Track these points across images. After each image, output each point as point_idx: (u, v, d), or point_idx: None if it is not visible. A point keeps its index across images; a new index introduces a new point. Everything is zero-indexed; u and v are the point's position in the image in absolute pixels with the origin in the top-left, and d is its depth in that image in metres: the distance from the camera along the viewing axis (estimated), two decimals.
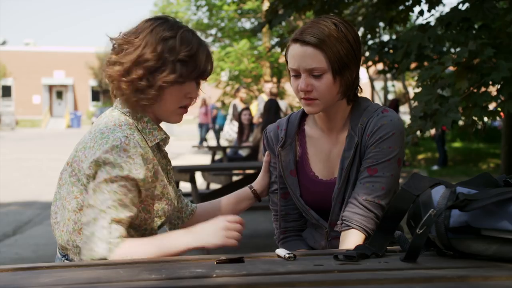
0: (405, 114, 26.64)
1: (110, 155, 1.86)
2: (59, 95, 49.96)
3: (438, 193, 1.66)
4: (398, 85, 23.67)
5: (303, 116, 2.22)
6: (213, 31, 24.13)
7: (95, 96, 50.70)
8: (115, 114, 2.01)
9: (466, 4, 4.93)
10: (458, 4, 5.06)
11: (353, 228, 2.02)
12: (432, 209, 1.62)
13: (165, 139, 2.06)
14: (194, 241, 1.90)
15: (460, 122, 4.13)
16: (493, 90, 3.96)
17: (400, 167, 2.08)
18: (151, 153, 1.98)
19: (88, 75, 49.25)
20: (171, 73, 1.93)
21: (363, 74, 26.98)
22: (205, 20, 24.43)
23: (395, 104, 15.28)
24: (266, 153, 2.25)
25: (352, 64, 2.02)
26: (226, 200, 2.33)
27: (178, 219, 2.28)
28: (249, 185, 2.31)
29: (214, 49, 24.49)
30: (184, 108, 2.04)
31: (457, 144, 18.54)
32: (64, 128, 41.81)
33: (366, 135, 2.04)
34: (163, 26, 1.97)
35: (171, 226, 2.28)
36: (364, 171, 2.04)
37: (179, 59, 1.94)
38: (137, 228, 2.01)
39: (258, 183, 2.30)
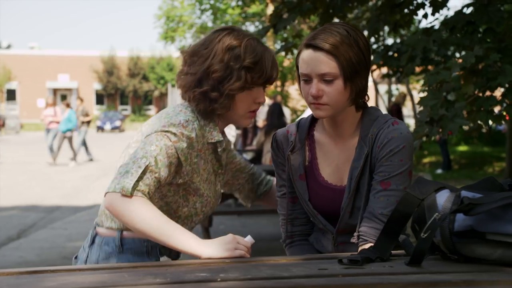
0: (408, 117, 26.60)
1: (168, 127, 2.01)
2: (64, 98, 49.96)
3: (443, 197, 1.66)
4: (402, 88, 23.63)
5: (313, 121, 2.22)
6: None
7: (100, 99, 50.80)
8: (185, 104, 2.14)
9: (471, 8, 4.92)
10: (463, 7, 5.06)
11: (370, 242, 2.00)
12: (436, 213, 1.62)
13: (221, 142, 2.15)
14: (198, 249, 1.87)
15: (465, 127, 4.12)
16: (498, 94, 3.95)
17: (411, 180, 2.07)
18: (202, 146, 2.10)
19: (93, 79, 49.36)
20: (237, 81, 2.04)
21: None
22: (210, 24, 24.48)
23: (396, 109, 15.06)
24: None
25: (362, 71, 2.03)
26: None
27: (252, 193, 2.49)
28: None
29: None
30: (253, 112, 2.15)
31: (462, 148, 18.51)
32: None
33: (377, 146, 2.04)
34: (230, 35, 2.08)
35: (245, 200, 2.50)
36: (377, 185, 2.03)
37: (244, 66, 2.04)
38: (173, 213, 2.12)
39: None
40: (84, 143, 17.59)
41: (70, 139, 16.90)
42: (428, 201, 1.67)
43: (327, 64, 1.98)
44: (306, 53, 2.02)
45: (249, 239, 1.93)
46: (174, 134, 2.00)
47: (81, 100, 17.79)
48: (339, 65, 1.98)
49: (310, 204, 2.16)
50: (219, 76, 2.03)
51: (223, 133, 2.23)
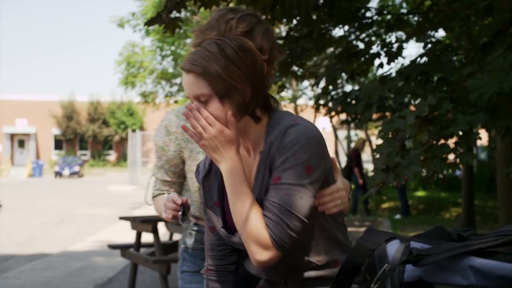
0: (367, 162, 26.91)
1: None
2: (21, 143, 49.28)
3: (393, 247, 1.68)
4: (361, 134, 23.95)
5: None
6: (178, 80, 24.30)
7: (58, 144, 50.17)
8: None
9: (424, 58, 5.06)
10: (417, 57, 5.20)
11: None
12: (386, 264, 1.63)
13: None
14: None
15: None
16: (451, 142, 4.03)
17: (312, 176, 1.86)
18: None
19: (51, 124, 48.83)
20: None
21: (326, 124, 27.19)
22: (170, 70, 24.60)
23: (356, 155, 15.23)
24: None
25: (239, 84, 1.88)
26: None
27: None
28: None
29: (179, 98, 24.55)
30: None
31: (419, 193, 18.74)
32: (26, 177, 41.10)
33: (274, 148, 1.87)
34: (230, 11, 2.14)
35: None
36: (270, 181, 1.87)
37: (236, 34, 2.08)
38: (194, 199, 2.75)
39: None
40: None
41: None
42: (378, 251, 1.68)
43: (197, 85, 1.88)
44: (183, 77, 1.95)
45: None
46: (156, 137, 2.69)
47: None
48: (208, 84, 1.87)
49: (223, 230, 2.02)
50: None
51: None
